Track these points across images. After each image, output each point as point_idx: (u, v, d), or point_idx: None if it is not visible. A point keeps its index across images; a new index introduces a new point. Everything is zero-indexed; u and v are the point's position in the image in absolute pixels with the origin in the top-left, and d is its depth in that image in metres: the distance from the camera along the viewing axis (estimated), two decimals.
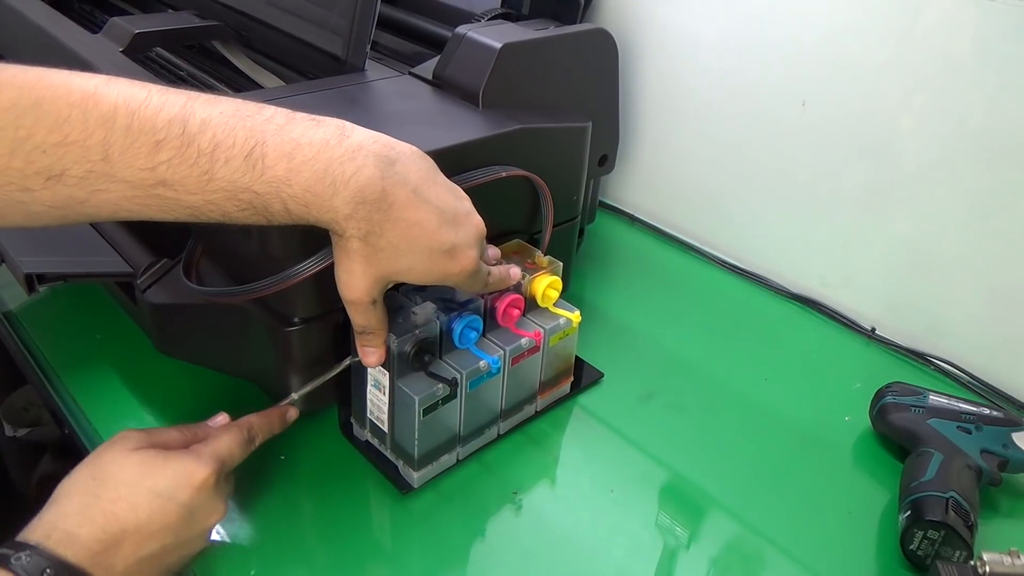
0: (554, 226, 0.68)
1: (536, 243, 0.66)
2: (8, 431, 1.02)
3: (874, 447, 0.64)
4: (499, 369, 0.56)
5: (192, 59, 0.77)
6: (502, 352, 0.56)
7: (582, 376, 0.67)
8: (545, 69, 0.67)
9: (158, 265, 0.60)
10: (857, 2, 0.70)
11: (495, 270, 0.52)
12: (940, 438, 0.59)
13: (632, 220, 0.96)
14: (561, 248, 0.70)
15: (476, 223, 0.48)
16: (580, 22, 0.77)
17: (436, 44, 0.73)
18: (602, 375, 0.68)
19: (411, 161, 0.45)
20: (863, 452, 0.64)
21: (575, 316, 0.60)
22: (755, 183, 0.84)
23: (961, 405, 0.61)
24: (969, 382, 0.72)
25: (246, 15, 0.74)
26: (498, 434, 0.61)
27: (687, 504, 0.58)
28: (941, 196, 0.71)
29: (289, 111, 0.43)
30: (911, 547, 0.53)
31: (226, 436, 0.50)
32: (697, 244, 0.90)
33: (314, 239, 0.51)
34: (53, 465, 1.07)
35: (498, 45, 0.62)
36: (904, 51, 0.69)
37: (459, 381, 0.53)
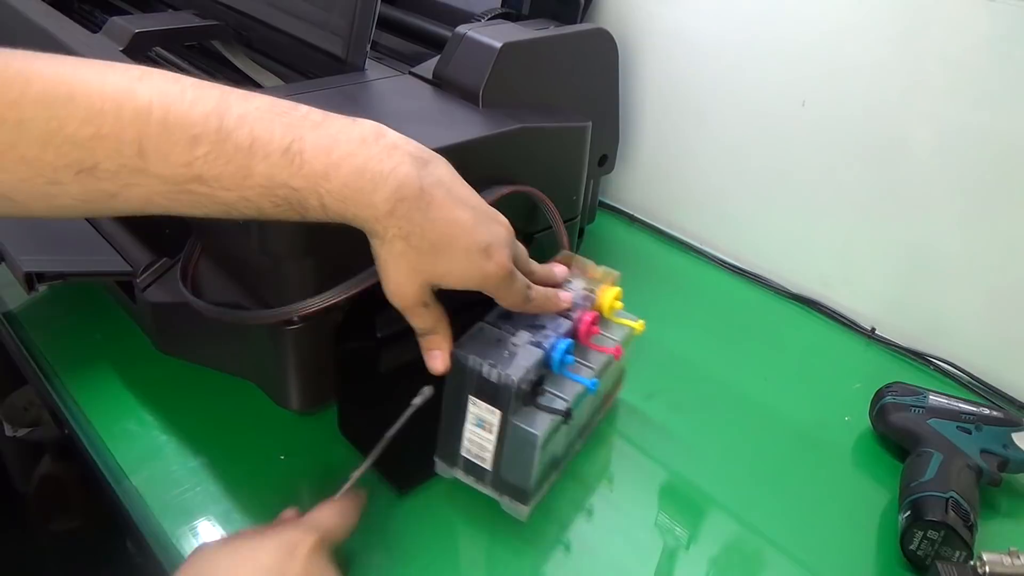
0: None
1: (537, 243, 0.65)
2: (8, 431, 1.02)
3: (874, 447, 0.64)
4: (596, 390, 0.53)
5: (192, 59, 0.77)
6: (592, 371, 0.54)
7: None
8: (545, 69, 0.67)
9: (158, 264, 0.60)
10: (857, 2, 0.70)
11: (539, 291, 0.51)
12: (940, 438, 0.59)
13: (632, 220, 0.96)
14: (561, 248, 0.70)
15: (504, 223, 0.48)
16: (580, 22, 0.77)
17: (436, 44, 0.73)
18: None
19: (442, 163, 0.46)
20: (863, 452, 0.64)
21: (639, 325, 0.58)
22: (755, 183, 0.84)
23: (961, 405, 0.61)
24: (969, 382, 0.71)
25: (246, 15, 0.74)
26: (579, 448, 0.60)
27: (686, 504, 0.58)
28: (941, 196, 0.71)
29: (323, 110, 0.43)
30: (911, 547, 0.53)
31: (324, 509, 0.48)
32: (697, 244, 0.90)
33: (316, 238, 0.52)
34: (53, 465, 1.07)
35: (498, 45, 0.62)
36: (904, 51, 0.69)
37: (572, 411, 0.50)
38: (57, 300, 0.73)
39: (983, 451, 0.58)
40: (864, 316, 0.79)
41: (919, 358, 0.75)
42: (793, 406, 0.68)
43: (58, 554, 1.09)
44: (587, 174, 0.70)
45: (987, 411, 0.61)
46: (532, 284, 0.50)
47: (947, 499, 0.53)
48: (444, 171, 0.45)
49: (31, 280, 0.54)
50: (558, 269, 0.56)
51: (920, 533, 0.52)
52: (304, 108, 0.42)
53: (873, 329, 0.78)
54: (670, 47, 0.85)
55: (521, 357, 0.49)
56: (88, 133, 0.37)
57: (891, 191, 0.73)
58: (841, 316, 0.80)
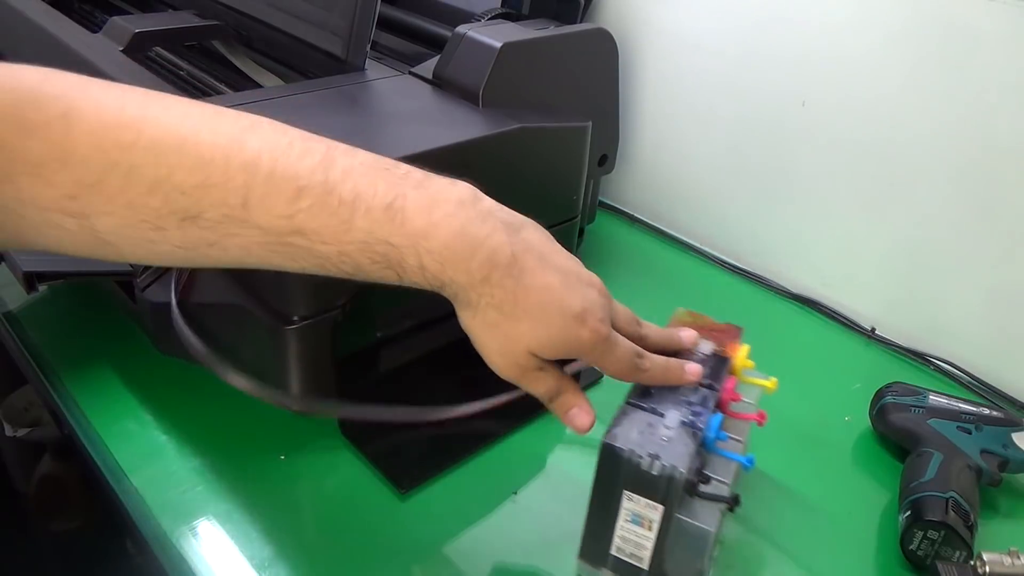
0: (554, 225, 0.68)
1: None
2: (8, 431, 1.02)
3: (874, 447, 0.64)
4: (752, 466, 0.48)
5: (192, 59, 0.77)
6: (740, 444, 0.50)
7: (580, 376, 0.67)
8: (545, 69, 0.67)
9: None
10: (857, 2, 0.70)
11: (655, 361, 0.48)
12: (940, 438, 0.59)
13: (632, 220, 0.96)
14: None
15: (598, 285, 0.47)
16: (580, 22, 0.77)
17: (436, 44, 0.73)
18: (602, 375, 0.68)
19: (533, 228, 0.45)
20: (863, 452, 0.64)
21: (771, 383, 0.52)
22: (755, 183, 0.84)
23: (961, 405, 0.61)
24: (969, 382, 0.71)
25: (246, 15, 0.74)
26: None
27: None
28: (941, 196, 0.71)
29: (424, 170, 0.43)
30: (911, 547, 0.53)
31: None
32: (697, 244, 0.90)
33: None
34: (53, 465, 1.07)
35: (498, 45, 0.62)
36: (904, 51, 0.69)
37: (739, 497, 0.46)
38: (57, 300, 0.73)
39: (983, 451, 0.58)
40: (864, 316, 0.79)
41: (919, 358, 0.75)
42: (793, 406, 0.67)
43: (58, 554, 1.09)
44: (587, 174, 0.70)
45: (987, 411, 0.61)
46: (644, 352, 0.48)
47: (947, 499, 0.53)
48: (535, 236, 0.45)
49: (31, 280, 0.54)
50: (685, 335, 0.52)
51: (920, 533, 0.52)
52: (406, 166, 0.42)
53: (873, 329, 0.78)
54: (670, 47, 0.85)
55: (679, 442, 0.44)
56: (195, 182, 0.37)
57: (891, 190, 0.73)
58: (841, 316, 0.80)
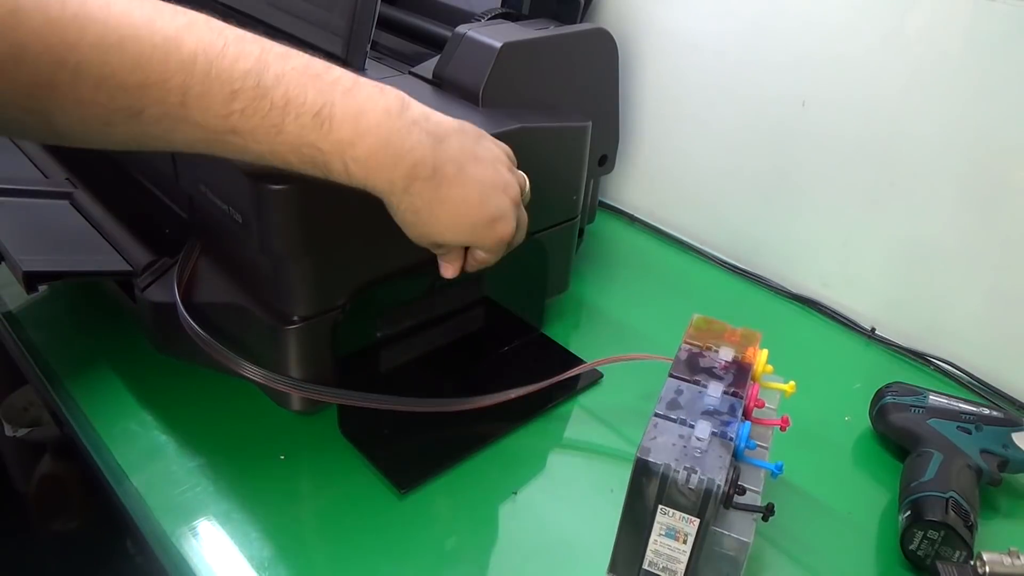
0: (554, 225, 0.68)
1: (537, 243, 0.65)
2: (8, 431, 1.02)
3: (874, 447, 0.64)
4: (780, 474, 0.48)
5: None
6: (766, 450, 0.50)
7: (580, 376, 0.67)
8: (545, 69, 0.67)
9: (158, 264, 0.60)
10: (857, 2, 0.70)
11: (523, 221, 0.53)
12: (940, 438, 0.59)
13: (632, 220, 0.96)
14: (561, 248, 0.70)
15: (514, 190, 0.51)
16: (580, 22, 0.77)
17: (436, 44, 0.73)
18: (601, 375, 0.68)
19: (458, 136, 0.48)
20: (863, 452, 0.64)
21: (789, 387, 0.53)
22: (755, 183, 0.84)
23: (961, 405, 0.61)
24: (969, 382, 0.71)
25: (246, 15, 0.74)
26: None
27: None
28: (941, 196, 0.71)
29: (355, 75, 0.45)
30: (911, 547, 0.53)
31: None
32: (697, 244, 0.90)
33: (316, 238, 0.52)
34: (53, 465, 1.07)
35: (498, 45, 0.62)
36: (904, 51, 0.69)
37: (773, 506, 0.45)
38: (57, 300, 0.73)
39: (983, 451, 0.58)
40: (864, 316, 0.79)
41: (919, 358, 0.75)
42: (793, 406, 0.67)
43: (58, 554, 1.09)
44: (587, 174, 0.70)
45: (987, 411, 0.61)
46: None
47: (947, 499, 0.53)
48: (457, 145, 0.48)
49: (31, 280, 0.54)
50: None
51: (920, 533, 0.52)
52: (337, 71, 0.44)
53: (873, 329, 0.78)
54: (670, 47, 0.85)
55: (713, 454, 0.44)
56: (136, 81, 0.39)
57: (891, 191, 0.73)
58: (841, 316, 0.80)
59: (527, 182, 0.54)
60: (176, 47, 0.40)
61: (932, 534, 0.52)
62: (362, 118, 0.43)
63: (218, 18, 0.42)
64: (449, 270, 0.53)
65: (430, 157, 0.46)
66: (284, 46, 0.44)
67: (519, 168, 0.55)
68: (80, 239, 0.62)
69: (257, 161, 0.44)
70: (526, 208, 0.54)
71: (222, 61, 0.40)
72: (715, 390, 0.50)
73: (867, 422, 0.65)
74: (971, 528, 0.52)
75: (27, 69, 0.37)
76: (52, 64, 0.37)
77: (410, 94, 0.47)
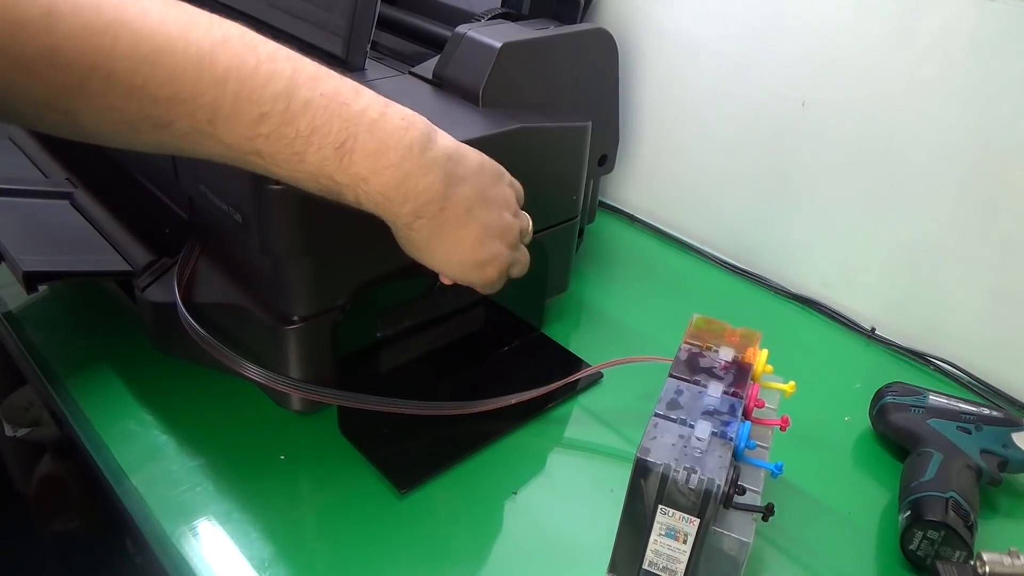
0: (554, 225, 0.68)
1: (537, 243, 0.65)
2: (8, 431, 1.02)
3: (874, 447, 0.64)
4: (780, 474, 0.48)
5: None
6: (766, 450, 0.50)
7: (580, 380, 0.67)
8: (545, 69, 0.67)
9: (157, 264, 0.60)
10: (857, 2, 0.70)
11: (521, 260, 0.55)
12: (940, 438, 0.59)
13: (632, 220, 0.96)
14: (561, 248, 0.70)
15: (512, 235, 0.52)
16: (580, 22, 0.77)
17: (436, 44, 0.73)
18: (602, 375, 0.68)
19: (473, 181, 0.49)
20: (863, 452, 0.64)
21: (789, 387, 0.53)
22: (755, 183, 0.84)
23: (961, 405, 0.61)
24: (969, 382, 0.71)
25: (246, 15, 0.74)
26: None
27: None
28: (941, 196, 0.71)
29: (384, 102, 0.45)
30: (911, 547, 0.53)
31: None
32: (697, 244, 0.90)
33: (316, 239, 0.52)
34: (53, 465, 1.07)
35: (498, 44, 0.62)
36: (904, 51, 0.69)
37: (773, 507, 0.45)
38: (57, 300, 0.73)
39: (983, 451, 0.58)
40: (864, 316, 0.79)
41: (919, 358, 0.75)
42: (793, 406, 0.67)
43: (58, 554, 1.09)
44: (587, 174, 0.70)
45: (987, 411, 0.61)
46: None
47: (947, 499, 0.53)
48: (471, 190, 0.48)
49: (31, 280, 0.54)
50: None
51: (920, 533, 0.52)
52: (366, 99, 0.44)
53: (873, 329, 0.78)
54: (670, 47, 0.85)
55: (713, 454, 0.44)
56: (167, 94, 0.39)
57: (891, 191, 0.73)
58: (841, 316, 0.80)
59: (530, 223, 0.55)
60: (210, 64, 0.39)
61: (932, 534, 0.52)
62: (382, 156, 0.44)
63: (223, 15, 0.42)
64: (447, 279, 0.54)
65: (440, 199, 0.47)
66: (316, 64, 0.43)
67: (519, 169, 0.55)
68: (80, 239, 0.62)
69: (276, 178, 0.45)
70: (527, 211, 0.54)
71: (254, 81, 0.40)
72: (715, 390, 0.50)
73: (867, 422, 0.65)
74: (971, 528, 0.52)
75: (59, 73, 0.36)
76: (84, 70, 0.37)
77: (410, 94, 0.47)
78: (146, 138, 0.41)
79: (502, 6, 0.78)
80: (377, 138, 0.44)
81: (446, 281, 0.53)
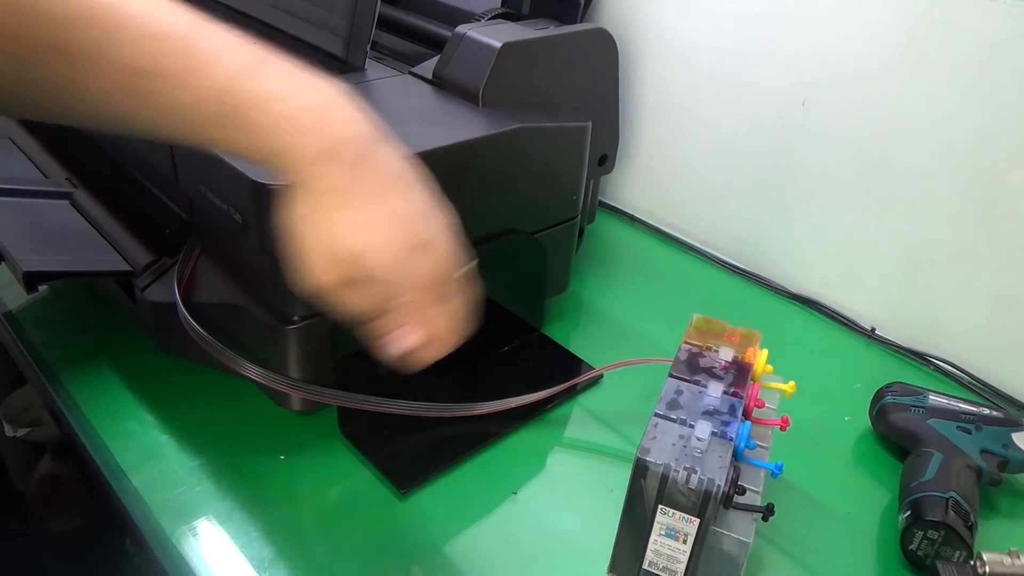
0: (554, 225, 0.68)
1: (537, 243, 0.65)
2: (8, 431, 1.02)
3: (874, 447, 0.64)
4: (780, 474, 0.48)
5: None
6: (766, 450, 0.50)
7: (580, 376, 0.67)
8: (545, 69, 0.67)
9: (157, 264, 0.60)
10: (857, 3, 0.70)
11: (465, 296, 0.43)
12: (940, 438, 0.59)
13: (632, 220, 0.96)
14: (561, 248, 0.70)
15: (452, 226, 0.42)
16: (580, 22, 0.77)
17: (436, 44, 0.73)
18: (602, 375, 0.68)
19: (413, 167, 0.41)
20: (863, 452, 0.64)
21: (789, 387, 0.53)
22: (755, 183, 0.84)
23: (961, 405, 0.61)
24: (969, 382, 0.71)
25: (246, 15, 0.74)
26: None
27: None
28: (941, 197, 0.71)
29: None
30: (911, 547, 0.53)
31: None
32: (697, 244, 0.90)
33: None
34: (53, 465, 1.07)
35: (498, 44, 0.62)
36: (904, 51, 0.69)
37: (773, 507, 0.45)
38: (57, 300, 0.73)
39: (983, 451, 0.58)
40: (864, 316, 0.79)
41: (919, 358, 0.75)
42: (793, 406, 0.67)
43: (58, 554, 1.09)
44: (587, 174, 0.70)
45: (987, 411, 0.61)
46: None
47: (947, 499, 0.53)
48: (403, 164, 0.40)
49: (31, 280, 0.54)
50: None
51: (920, 533, 0.52)
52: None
53: (873, 329, 0.78)
54: (670, 47, 0.85)
55: (713, 454, 0.44)
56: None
57: (891, 191, 0.73)
58: (841, 316, 0.80)
59: (473, 265, 0.44)
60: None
61: (932, 534, 0.52)
62: (299, 75, 0.38)
63: (223, 15, 0.41)
64: (408, 335, 0.40)
65: (361, 143, 0.38)
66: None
67: (519, 169, 0.54)
68: (80, 239, 0.62)
69: (163, 130, 0.39)
70: (528, 210, 0.50)
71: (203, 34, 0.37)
72: (715, 390, 0.50)
73: (867, 422, 0.65)
74: (971, 528, 0.52)
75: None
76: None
77: (410, 94, 0.46)
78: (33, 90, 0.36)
79: (502, 6, 0.78)
80: (296, 66, 0.38)
81: (411, 340, 0.40)
